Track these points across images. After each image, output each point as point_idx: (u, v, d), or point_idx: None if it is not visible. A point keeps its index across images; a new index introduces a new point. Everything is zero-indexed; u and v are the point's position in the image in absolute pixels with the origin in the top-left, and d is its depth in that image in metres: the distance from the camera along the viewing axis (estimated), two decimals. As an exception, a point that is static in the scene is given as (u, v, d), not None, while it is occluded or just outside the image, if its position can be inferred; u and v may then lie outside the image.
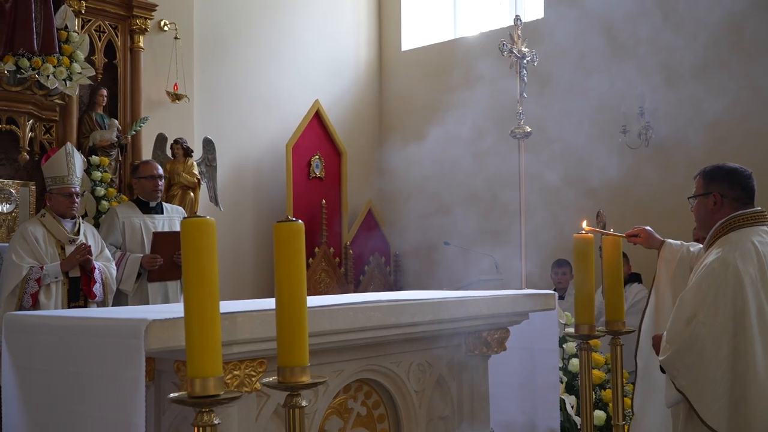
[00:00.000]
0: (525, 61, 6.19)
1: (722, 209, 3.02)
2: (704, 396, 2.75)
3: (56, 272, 4.58)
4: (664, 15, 6.82)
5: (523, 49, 6.18)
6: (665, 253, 3.36)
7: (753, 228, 2.97)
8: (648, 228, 3.43)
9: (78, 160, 4.89)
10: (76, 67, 5.53)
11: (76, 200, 4.80)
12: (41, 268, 4.54)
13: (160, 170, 5.37)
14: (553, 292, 3.68)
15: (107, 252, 4.94)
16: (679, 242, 3.43)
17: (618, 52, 7.10)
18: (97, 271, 4.71)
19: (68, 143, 5.04)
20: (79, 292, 4.68)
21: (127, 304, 4.94)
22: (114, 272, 4.89)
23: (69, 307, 4.60)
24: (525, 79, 6.20)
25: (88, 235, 4.85)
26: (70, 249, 4.67)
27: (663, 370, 2.99)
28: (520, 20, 6.33)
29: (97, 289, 4.69)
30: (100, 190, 5.73)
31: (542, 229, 6.74)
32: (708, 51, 6.61)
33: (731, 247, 2.90)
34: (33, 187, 5.55)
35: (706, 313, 2.78)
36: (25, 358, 2.58)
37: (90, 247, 4.69)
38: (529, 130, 6.15)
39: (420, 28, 8.95)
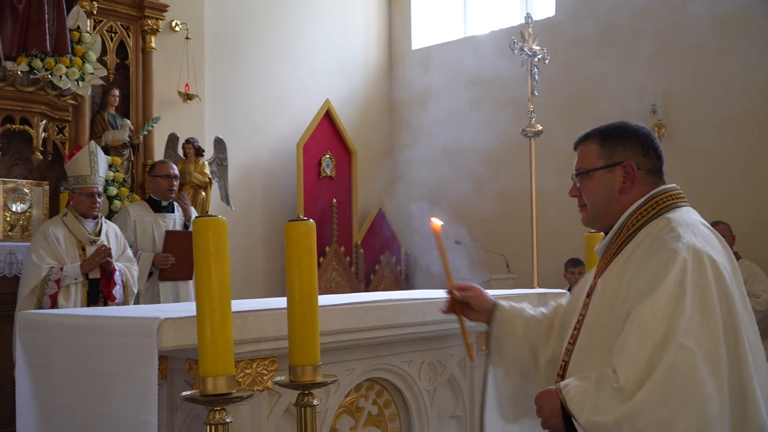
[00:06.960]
0: (536, 60, 6.17)
1: (635, 187, 2.03)
2: None
3: (76, 273, 4.49)
4: (673, 11, 6.77)
5: (534, 47, 6.16)
6: (497, 319, 2.44)
7: (688, 208, 2.03)
8: (478, 286, 2.54)
9: (102, 159, 4.78)
10: (89, 67, 5.57)
11: (98, 200, 4.70)
12: (61, 269, 4.47)
13: (176, 170, 5.39)
14: (565, 291, 3.66)
15: (129, 252, 4.86)
16: (511, 305, 2.51)
17: (629, 49, 7.05)
18: (117, 272, 4.62)
19: (92, 142, 5.00)
20: (98, 293, 4.59)
21: (138, 303, 4.96)
22: (136, 273, 4.79)
23: (87, 309, 4.58)
24: (536, 77, 6.19)
25: (111, 235, 4.76)
26: (90, 250, 4.60)
27: None
28: (531, 18, 6.31)
29: (116, 291, 4.59)
30: (113, 190, 5.77)
31: (555, 228, 6.71)
32: (721, 45, 6.56)
33: (686, 230, 1.89)
34: (46, 187, 5.58)
35: (689, 330, 1.75)
36: (38, 357, 2.60)
37: (110, 249, 4.60)
38: (540, 128, 6.13)
39: (430, 27, 8.94)
